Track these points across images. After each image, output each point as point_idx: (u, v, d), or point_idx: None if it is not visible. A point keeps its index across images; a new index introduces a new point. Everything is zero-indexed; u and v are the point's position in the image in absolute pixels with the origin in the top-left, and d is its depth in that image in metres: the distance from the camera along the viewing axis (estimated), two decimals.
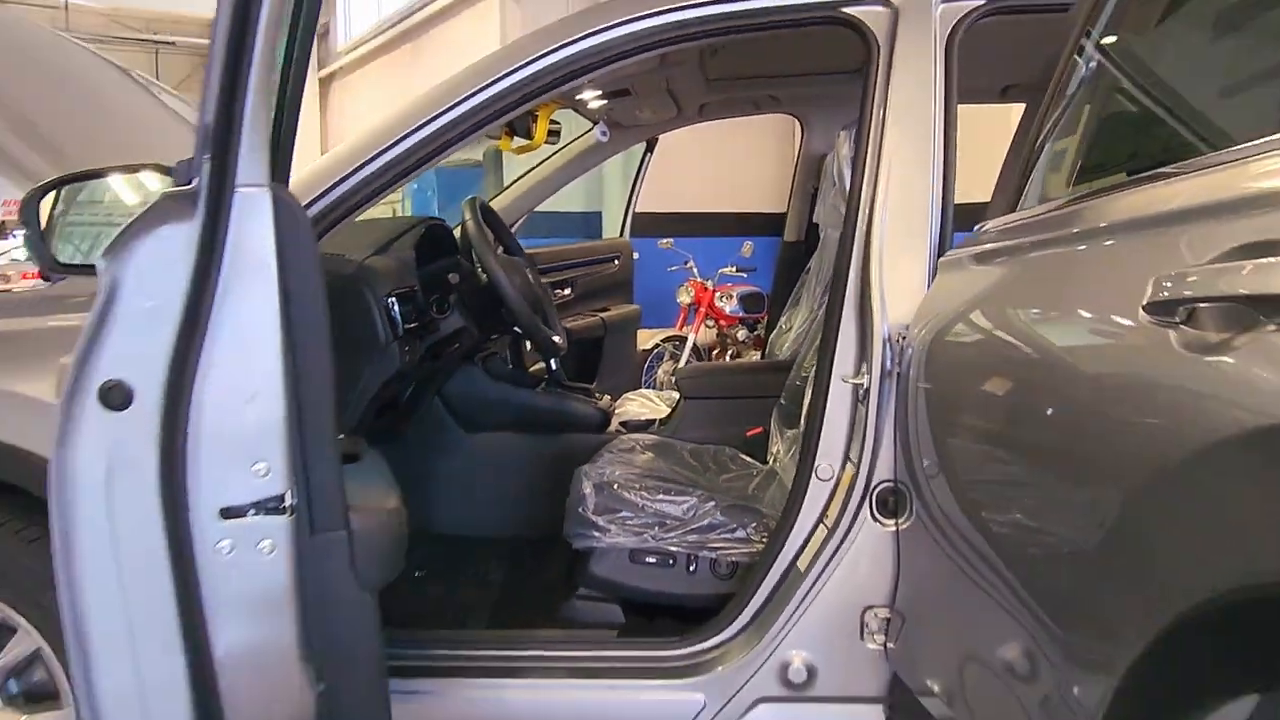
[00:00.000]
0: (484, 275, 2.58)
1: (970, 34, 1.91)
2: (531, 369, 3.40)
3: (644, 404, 3.20)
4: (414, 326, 2.18)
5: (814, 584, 1.83)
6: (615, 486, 2.23)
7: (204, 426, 1.31)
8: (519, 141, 3.04)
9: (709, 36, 2.03)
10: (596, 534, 2.16)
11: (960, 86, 1.97)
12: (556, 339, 2.75)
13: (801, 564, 1.86)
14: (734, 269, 6.95)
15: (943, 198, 1.86)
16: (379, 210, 2.01)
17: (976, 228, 1.76)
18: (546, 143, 3.20)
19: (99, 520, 1.30)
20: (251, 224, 1.29)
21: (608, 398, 3.28)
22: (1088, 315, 1.19)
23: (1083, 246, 1.29)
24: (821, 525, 1.86)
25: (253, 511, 1.32)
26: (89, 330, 1.30)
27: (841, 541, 1.82)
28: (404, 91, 13.22)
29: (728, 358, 7.06)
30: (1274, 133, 0.96)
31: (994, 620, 1.40)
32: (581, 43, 1.94)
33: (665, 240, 6.96)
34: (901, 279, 1.82)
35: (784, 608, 1.85)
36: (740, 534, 2.13)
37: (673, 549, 2.15)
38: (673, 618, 2.11)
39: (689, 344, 6.78)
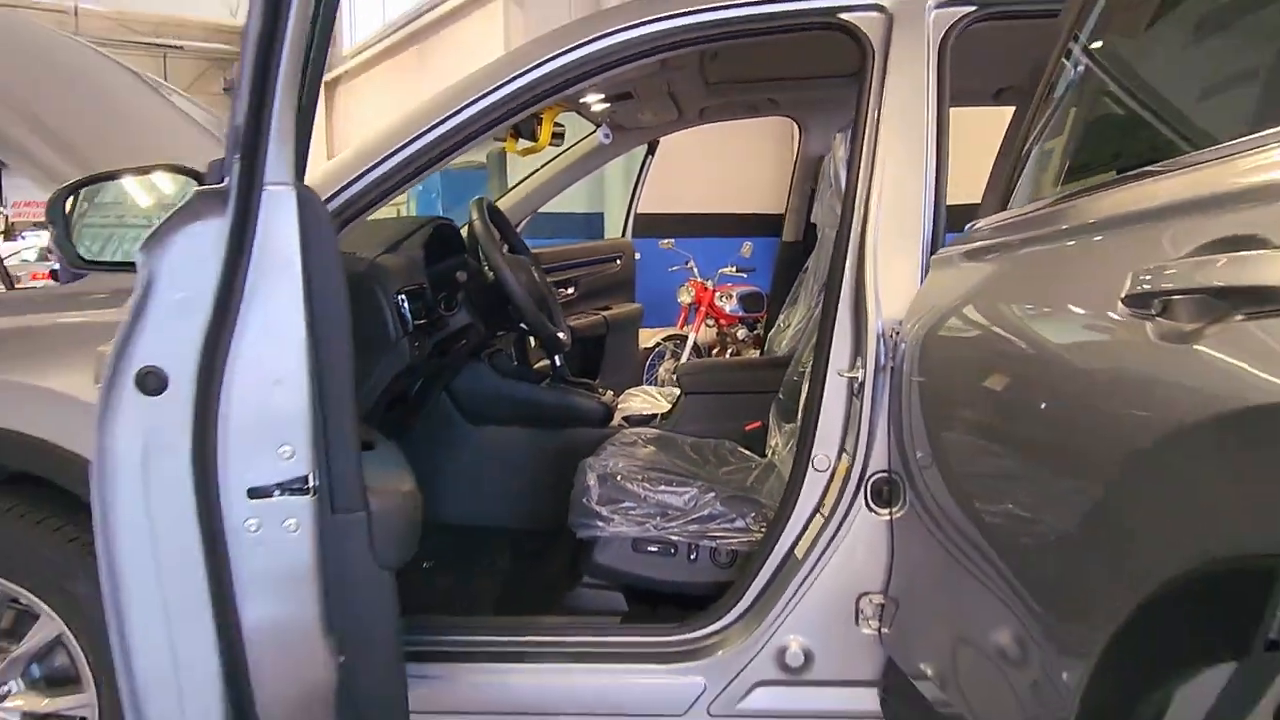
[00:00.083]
0: (490, 274, 2.60)
1: (962, 39, 1.93)
2: (536, 365, 3.42)
3: (646, 399, 3.21)
4: (423, 323, 2.20)
5: (810, 571, 1.85)
6: (618, 478, 2.24)
7: (233, 411, 1.35)
8: (524, 144, 3.05)
9: (708, 42, 2.05)
10: (600, 524, 2.18)
11: (954, 89, 1.98)
12: (561, 336, 2.77)
13: (799, 552, 1.88)
14: (734, 269, 6.94)
15: (935, 197, 1.88)
16: (384, 210, 2.04)
17: (968, 226, 1.78)
18: (551, 145, 3.21)
19: (136, 499, 1.35)
20: (278, 221, 1.34)
21: (610, 393, 3.29)
22: (1071, 309, 1.23)
23: (1068, 243, 1.32)
24: (818, 515, 1.88)
25: (278, 492, 1.36)
26: (127, 320, 1.34)
27: (837, 530, 1.84)
28: (409, 95, 13.23)
29: (728, 356, 7.07)
30: (1244, 134, 1.00)
31: (984, 605, 1.43)
32: (585, 48, 1.95)
33: (666, 241, 6.96)
34: (895, 276, 1.84)
35: (781, 594, 1.87)
36: (739, 524, 2.15)
37: (674, 538, 2.16)
38: (674, 604, 2.13)
39: (690, 343, 6.78)
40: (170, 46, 19.60)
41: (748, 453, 2.64)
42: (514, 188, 3.82)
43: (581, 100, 3.10)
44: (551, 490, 2.53)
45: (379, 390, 2.07)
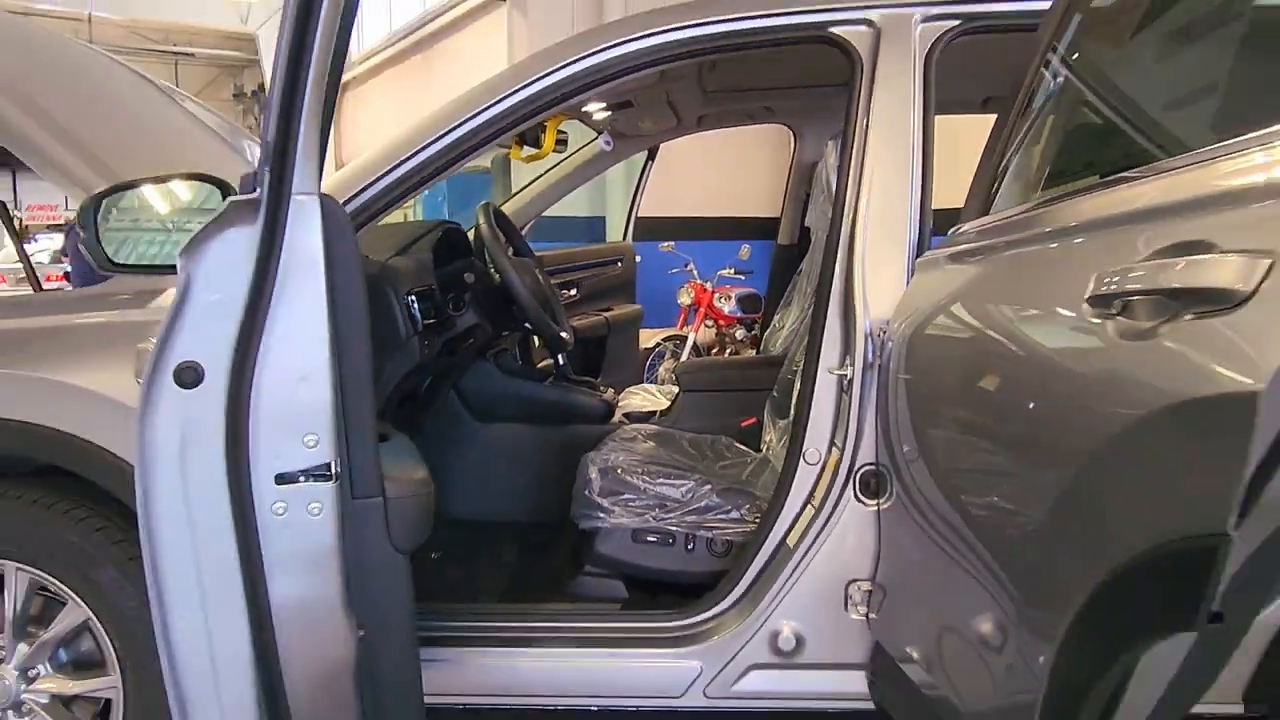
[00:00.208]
0: (496, 276, 2.62)
1: (948, 51, 1.97)
2: (540, 364, 3.46)
3: (646, 397, 3.24)
4: (432, 323, 2.23)
5: (802, 560, 1.89)
6: (619, 471, 2.28)
7: (263, 403, 1.41)
8: (528, 150, 3.07)
9: (705, 54, 2.09)
10: (601, 515, 2.22)
11: (944, 98, 2.01)
12: (564, 336, 2.79)
13: (791, 541, 1.91)
14: (732, 271, 6.92)
15: (920, 203, 1.92)
16: (392, 214, 2.08)
17: (951, 230, 1.82)
18: (554, 151, 3.23)
19: (174, 484, 1.41)
20: (304, 228, 1.40)
21: (611, 390, 3.32)
22: (1042, 309, 1.28)
23: (1041, 247, 1.37)
24: (809, 506, 1.91)
25: (303, 478, 1.42)
26: (167, 319, 1.40)
27: (827, 520, 1.87)
28: (415, 101, 13.25)
29: (726, 355, 7.09)
30: (1201, 146, 1.05)
31: (966, 591, 1.47)
32: (587, 61, 1.99)
33: (666, 244, 6.96)
34: (882, 278, 1.88)
35: (774, 582, 1.90)
36: (734, 515, 2.19)
37: (672, 529, 2.20)
38: (672, 592, 2.16)
39: (689, 343, 6.76)
40: (181, 53, 19.63)
41: (743, 448, 2.67)
42: (518, 192, 3.85)
43: (584, 109, 3.13)
44: (555, 484, 2.56)
45: (391, 387, 2.10)
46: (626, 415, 3.13)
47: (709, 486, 2.24)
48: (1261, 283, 0.82)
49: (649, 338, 6.57)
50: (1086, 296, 1.07)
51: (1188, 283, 0.91)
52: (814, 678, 1.93)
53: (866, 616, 1.88)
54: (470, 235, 2.82)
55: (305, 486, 1.43)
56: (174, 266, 1.66)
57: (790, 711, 2.03)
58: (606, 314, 4.04)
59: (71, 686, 1.92)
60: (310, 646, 1.46)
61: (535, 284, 2.79)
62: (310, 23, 1.33)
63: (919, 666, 1.68)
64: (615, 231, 7.57)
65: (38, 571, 1.88)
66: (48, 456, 1.89)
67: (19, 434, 1.83)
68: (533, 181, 3.76)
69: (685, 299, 7.18)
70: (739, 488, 2.27)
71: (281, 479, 1.42)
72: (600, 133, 3.51)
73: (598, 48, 2.00)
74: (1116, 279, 1.04)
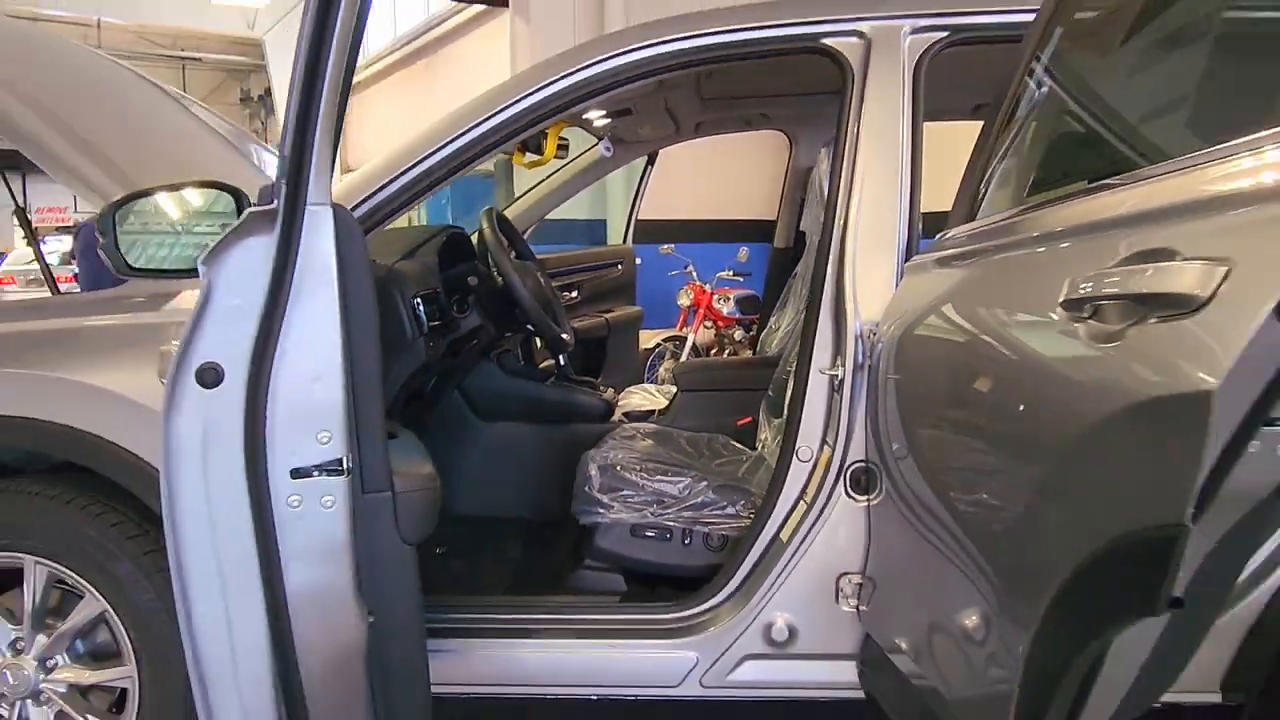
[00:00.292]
0: (499, 279, 2.64)
1: (936, 62, 1.99)
2: (542, 365, 3.47)
3: (645, 397, 3.26)
4: (437, 325, 2.24)
5: (795, 554, 1.91)
6: (618, 468, 2.30)
7: (279, 402, 1.45)
8: (530, 156, 3.09)
9: (702, 64, 2.11)
10: (601, 510, 2.23)
11: (935, 106, 2.04)
12: (565, 337, 2.80)
13: (784, 536, 1.93)
14: (731, 273, 6.95)
15: (909, 208, 1.94)
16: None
17: (939, 235, 1.85)
18: (555, 157, 3.25)
19: (196, 478, 1.45)
20: (318, 237, 1.45)
21: (611, 390, 3.33)
22: (1021, 312, 1.32)
23: (1020, 252, 1.41)
24: (802, 501, 1.93)
25: (317, 472, 1.47)
26: (190, 322, 1.45)
27: (819, 515, 1.89)
28: (419, 106, 13.30)
29: (725, 356, 7.11)
30: (1172, 156, 1.09)
31: (952, 584, 1.50)
32: (587, 70, 2.01)
33: (666, 246, 6.97)
34: (872, 281, 1.90)
35: (768, 575, 1.92)
36: (730, 510, 2.21)
37: (670, 524, 2.21)
38: (669, 585, 2.17)
39: (689, 344, 6.77)
40: (189, 58, 19.69)
41: (739, 446, 2.69)
42: (521, 197, 3.85)
43: (584, 116, 3.14)
44: (556, 481, 2.59)
45: (397, 386, 2.12)
46: (626, 414, 3.14)
47: (705, 483, 2.26)
48: (1218, 288, 0.87)
49: (649, 338, 6.58)
50: (1060, 300, 1.12)
51: (1152, 288, 0.95)
52: (806, 668, 1.95)
53: (857, 609, 1.90)
54: (474, 239, 2.83)
55: (319, 480, 1.47)
56: (189, 271, 1.71)
57: (783, 701, 2.04)
58: (607, 315, 4.05)
59: (88, 676, 1.95)
60: (323, 632, 1.50)
61: (537, 286, 2.81)
62: (323, 51, 1.38)
63: (907, 657, 1.71)
64: (616, 234, 7.58)
65: (56, 565, 1.90)
66: (66, 454, 1.92)
67: (38, 432, 1.86)
68: (535, 186, 3.77)
69: (685, 300, 7.19)
70: (734, 484, 2.29)
71: (296, 473, 1.47)
72: (600, 139, 3.54)
73: (597, 59, 2.02)
74: (1088, 284, 1.08)
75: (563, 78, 2.01)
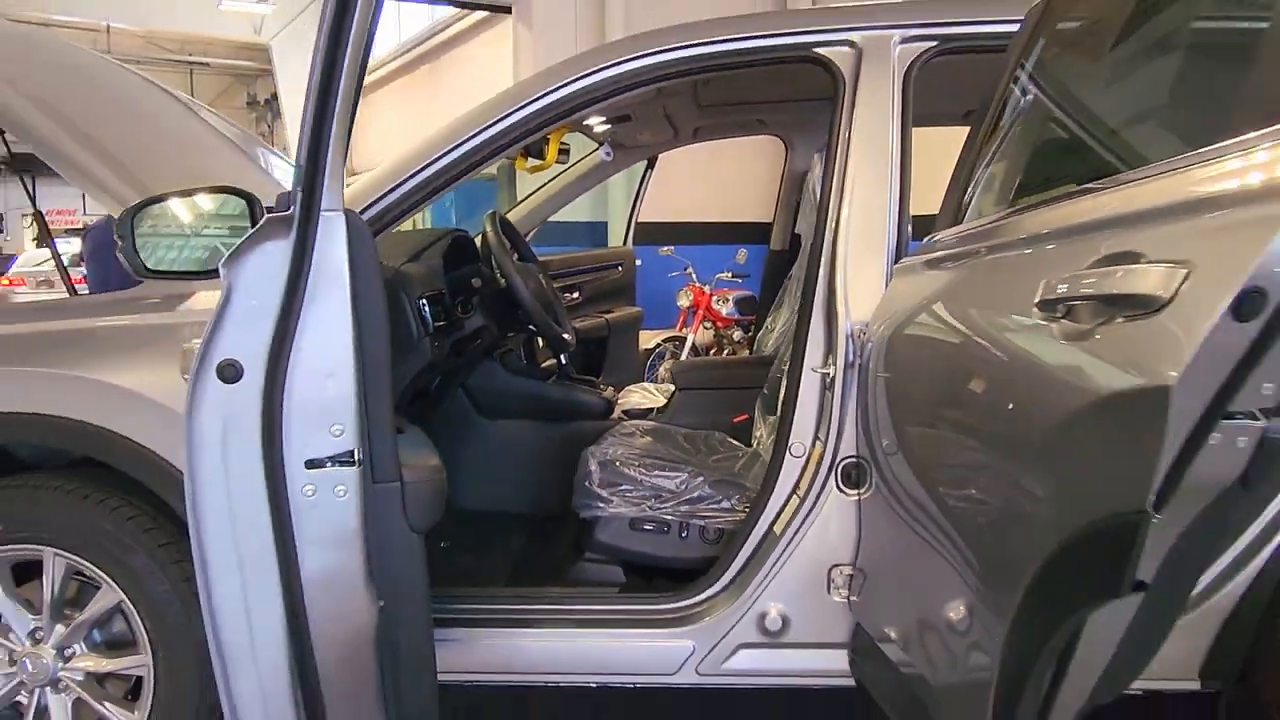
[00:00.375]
0: (502, 280, 2.66)
1: (925, 70, 2.02)
2: (544, 364, 3.50)
3: (644, 395, 3.29)
4: (442, 325, 2.27)
5: (788, 546, 1.93)
6: (617, 464, 2.32)
7: (294, 396, 1.50)
8: (533, 161, 3.12)
9: (700, 73, 2.14)
10: (601, 505, 2.26)
11: (928, 112, 2.07)
12: (566, 337, 2.82)
13: (777, 529, 1.95)
14: (730, 275, 6.96)
15: (899, 211, 1.96)
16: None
17: (927, 238, 1.88)
18: (557, 162, 3.28)
19: (217, 469, 1.50)
20: (331, 241, 1.49)
21: (611, 389, 3.35)
22: (1000, 312, 1.36)
23: (1002, 255, 1.45)
24: (794, 495, 1.95)
25: (330, 463, 1.51)
26: (211, 321, 1.50)
27: (811, 509, 1.92)
28: (423, 110, 13.32)
29: (724, 356, 7.12)
30: (1142, 165, 1.13)
31: (938, 574, 1.53)
32: (588, 79, 2.04)
33: (666, 248, 6.99)
34: (863, 282, 1.92)
35: (762, 567, 1.94)
36: (725, 504, 2.23)
37: (667, 518, 2.24)
38: (667, 576, 2.20)
39: (688, 344, 6.78)
40: (196, 63, 19.72)
41: (735, 442, 2.71)
42: (523, 200, 3.89)
43: (585, 122, 3.17)
44: (557, 477, 2.60)
45: (404, 384, 2.15)
46: (626, 412, 3.16)
47: (701, 478, 2.28)
48: (1179, 289, 0.91)
49: (649, 339, 6.59)
50: (1036, 301, 1.16)
51: (1119, 289, 1.00)
52: (799, 656, 1.97)
53: (848, 599, 1.93)
54: (478, 242, 2.86)
55: (332, 471, 1.51)
56: (203, 273, 1.75)
57: (777, 688, 2.06)
58: (607, 316, 4.07)
59: (105, 665, 1.98)
60: (336, 616, 1.55)
61: (539, 288, 2.83)
62: (335, 69, 1.43)
63: (896, 645, 1.74)
64: (616, 236, 7.60)
65: (74, 557, 1.93)
66: (85, 450, 1.95)
67: (59, 429, 1.89)
68: (537, 190, 3.80)
69: (684, 301, 7.22)
70: (730, 479, 2.31)
71: (311, 464, 1.51)
72: (601, 144, 3.57)
73: (598, 67, 2.05)
74: (1062, 285, 1.12)
75: (564, 85, 2.04)
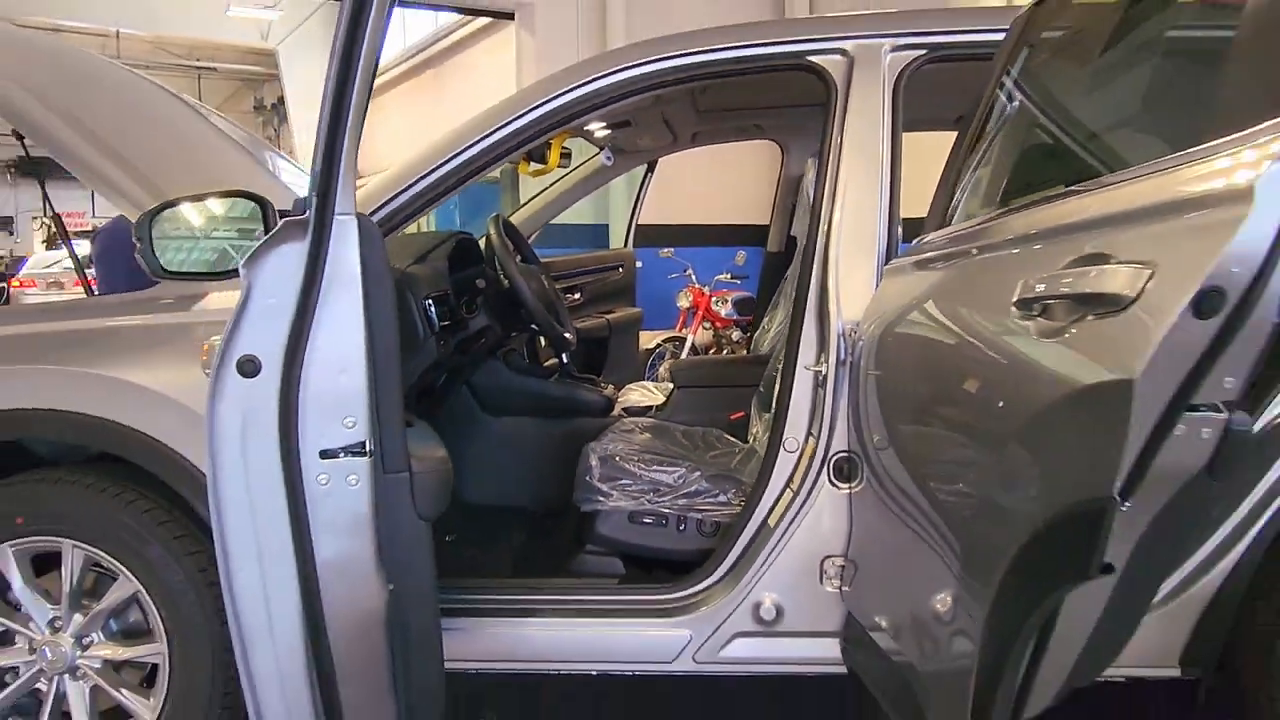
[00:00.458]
0: (506, 281, 2.68)
1: (915, 78, 2.06)
2: (546, 363, 3.52)
3: (644, 393, 3.31)
4: (447, 325, 2.29)
5: (782, 538, 1.96)
6: (617, 459, 2.34)
7: (309, 390, 1.55)
8: (535, 166, 3.15)
9: (697, 80, 2.18)
10: (601, 498, 2.28)
11: (921, 117, 2.10)
12: (568, 336, 2.84)
13: (771, 522, 1.98)
14: (729, 276, 6.94)
15: (889, 214, 1.99)
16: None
17: (916, 240, 1.93)
18: (559, 166, 3.31)
19: (236, 459, 1.55)
20: (344, 244, 1.54)
21: (612, 387, 3.38)
22: (982, 311, 1.40)
23: (985, 256, 1.49)
24: (788, 489, 1.98)
25: (343, 454, 1.56)
26: (232, 319, 1.54)
27: (804, 502, 1.95)
28: (428, 114, 13.34)
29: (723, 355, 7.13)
30: (1116, 170, 1.17)
31: (926, 565, 1.57)
32: (590, 85, 2.07)
33: (666, 250, 7.00)
34: (854, 283, 1.96)
35: (757, 558, 1.97)
36: (722, 498, 2.26)
37: (665, 511, 2.26)
38: (665, 568, 2.22)
39: (688, 344, 6.79)
40: (204, 68, 19.74)
41: (732, 439, 2.74)
42: (526, 204, 3.92)
43: (586, 128, 3.20)
44: (559, 472, 2.62)
45: (410, 382, 2.17)
46: (625, 409, 3.19)
47: (699, 473, 2.31)
48: (1144, 288, 0.95)
49: (650, 339, 6.59)
50: (1013, 300, 1.20)
51: (1090, 289, 1.04)
52: (792, 644, 2.00)
53: (839, 589, 1.96)
54: (481, 244, 2.88)
55: (345, 461, 1.56)
56: (218, 274, 1.80)
57: (771, 676, 2.10)
58: (608, 316, 4.10)
59: (121, 653, 2.00)
60: (349, 598, 1.59)
61: (541, 289, 2.86)
62: (348, 84, 1.48)
63: (886, 634, 1.77)
64: (617, 239, 7.62)
65: (92, 549, 1.95)
66: (101, 445, 1.98)
67: (77, 425, 1.93)
68: (539, 193, 3.82)
69: (684, 302, 7.23)
70: (726, 474, 2.34)
71: (325, 454, 1.56)
72: (602, 149, 3.59)
73: (598, 74, 2.08)
74: (1039, 285, 1.16)
75: (566, 92, 2.08)
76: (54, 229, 19.59)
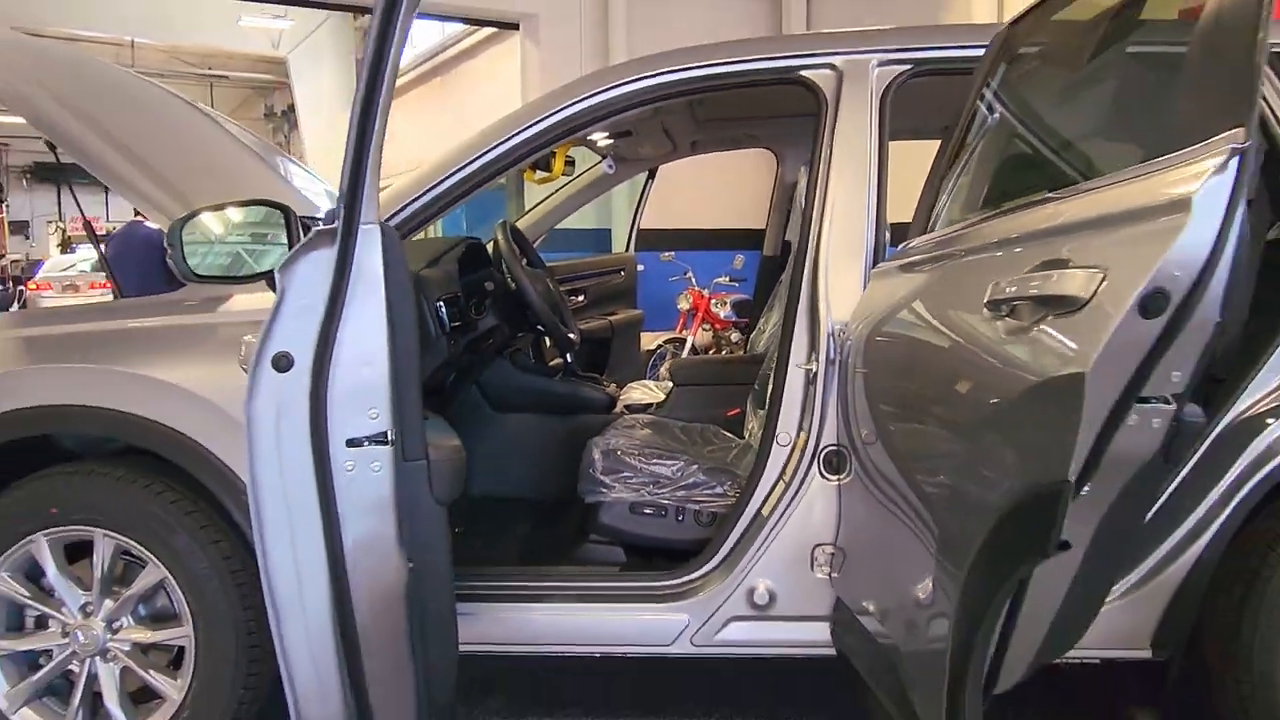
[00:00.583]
0: (513, 284, 2.74)
1: (902, 91, 2.11)
2: (551, 362, 3.57)
3: (644, 391, 3.36)
4: (457, 325, 2.32)
5: (774, 527, 2.01)
6: (619, 453, 2.39)
7: (337, 384, 1.63)
8: (541, 174, 3.21)
9: (694, 94, 2.24)
10: (603, 490, 2.33)
11: (910, 126, 2.15)
12: (572, 336, 2.89)
13: (765, 512, 2.03)
14: (727, 279, 7.03)
15: (876, 220, 2.04)
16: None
17: (902, 245, 1.99)
18: (563, 174, 3.38)
19: (271, 447, 1.63)
20: (368, 250, 1.63)
21: (614, 385, 3.43)
22: (957, 312, 1.47)
23: (962, 260, 1.56)
24: (781, 481, 2.02)
25: (367, 442, 1.64)
26: (269, 318, 1.62)
27: (796, 493, 2.00)
28: (435, 122, 13.38)
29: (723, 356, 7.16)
30: (1082, 181, 1.25)
31: (909, 552, 1.63)
32: (592, 99, 2.13)
33: (667, 254, 7.04)
34: (843, 285, 2.01)
35: (751, 546, 2.02)
36: (718, 490, 2.31)
37: (665, 502, 2.31)
38: (664, 556, 2.25)
39: (688, 345, 6.84)
40: (216, 76, 19.82)
41: (729, 435, 2.78)
42: (531, 210, 3.96)
43: (589, 137, 3.26)
44: (563, 466, 2.67)
45: (423, 379, 2.21)
46: (627, 407, 3.23)
47: (696, 466, 2.35)
48: (1097, 291, 1.02)
49: (651, 340, 6.61)
50: (985, 301, 1.27)
51: (1051, 291, 1.11)
52: (785, 628, 2.05)
53: (829, 575, 2.01)
54: (490, 248, 2.93)
55: (369, 449, 1.64)
56: (244, 278, 1.87)
57: (765, 658, 2.15)
58: (610, 318, 4.15)
59: (150, 636, 2.04)
60: (372, 574, 1.67)
61: (546, 291, 2.90)
62: (371, 109, 1.57)
63: (872, 618, 1.83)
64: (620, 243, 7.66)
65: (122, 537, 1.99)
66: (130, 439, 2.03)
67: (109, 420, 1.99)
68: (544, 200, 3.87)
69: (684, 304, 7.28)
70: (722, 467, 2.39)
71: (351, 443, 1.63)
72: (604, 157, 3.65)
73: (601, 89, 2.14)
74: (1008, 287, 1.23)
75: (570, 105, 2.13)
76: (68, 234, 19.68)
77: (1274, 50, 1.80)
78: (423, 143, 11.25)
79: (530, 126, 2.13)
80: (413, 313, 1.72)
